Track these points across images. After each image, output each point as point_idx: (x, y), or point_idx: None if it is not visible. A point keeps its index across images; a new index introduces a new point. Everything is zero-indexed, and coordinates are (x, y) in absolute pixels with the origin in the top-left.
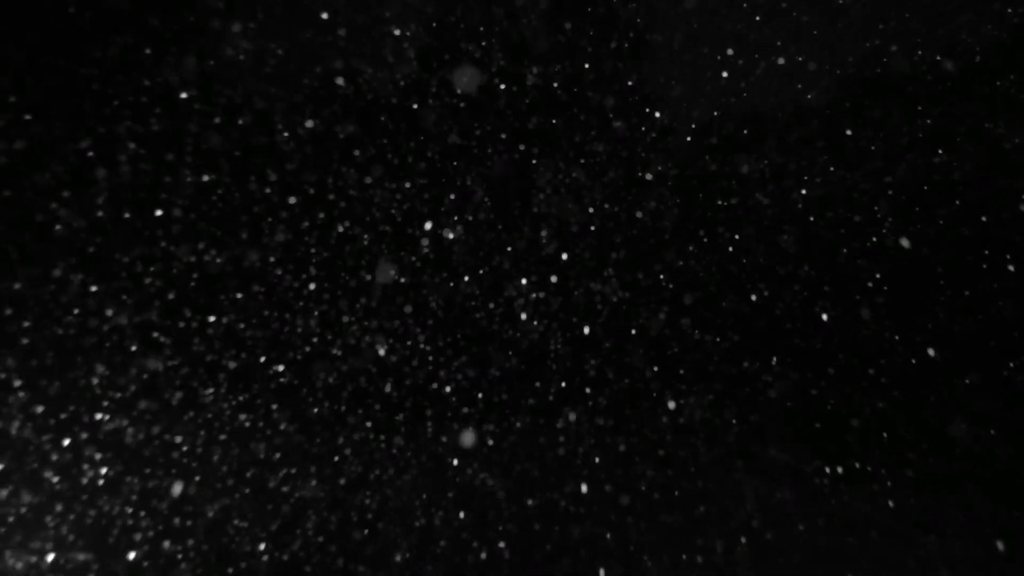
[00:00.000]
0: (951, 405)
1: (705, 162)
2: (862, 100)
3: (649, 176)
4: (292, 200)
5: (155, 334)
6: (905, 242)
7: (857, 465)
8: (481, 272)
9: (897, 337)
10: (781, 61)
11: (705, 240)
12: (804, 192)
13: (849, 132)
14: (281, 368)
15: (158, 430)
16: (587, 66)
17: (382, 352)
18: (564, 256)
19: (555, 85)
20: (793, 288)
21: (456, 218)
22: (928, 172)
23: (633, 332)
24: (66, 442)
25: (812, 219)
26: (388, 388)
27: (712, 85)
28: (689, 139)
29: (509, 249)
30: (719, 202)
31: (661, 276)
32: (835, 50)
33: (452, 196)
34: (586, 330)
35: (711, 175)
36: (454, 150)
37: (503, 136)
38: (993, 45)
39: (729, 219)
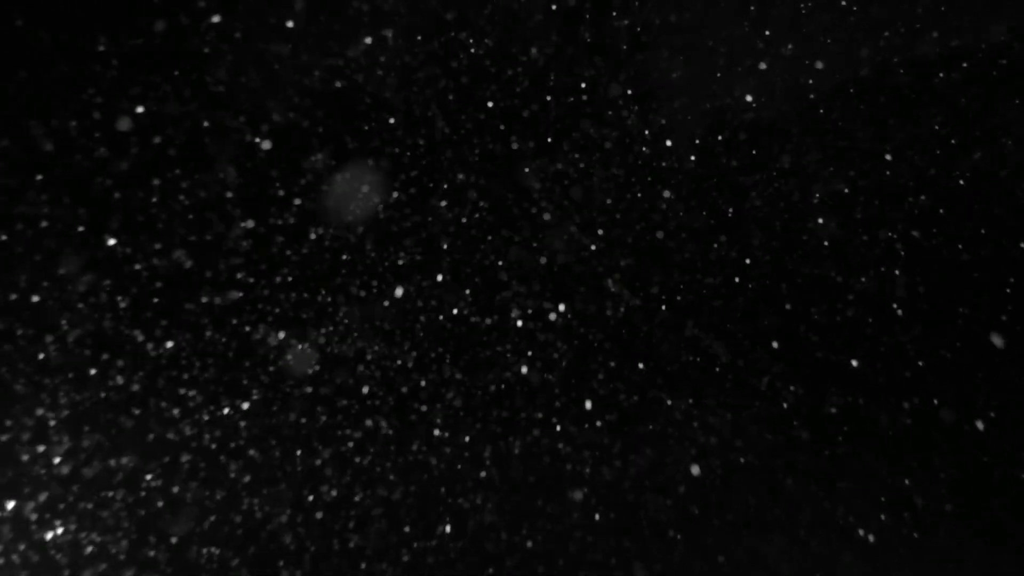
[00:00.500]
0: (988, 431)
1: (723, 157)
2: (899, 90)
3: (660, 172)
4: (262, 198)
5: (106, 353)
6: (936, 247)
7: (888, 501)
8: (475, 279)
9: (922, 363)
10: (810, 45)
11: (716, 246)
12: (833, 193)
13: (883, 126)
14: (252, 383)
15: (115, 451)
16: (588, 48)
17: (364, 366)
18: (565, 260)
19: (553, 70)
20: (816, 298)
21: (446, 218)
22: (966, 172)
23: (643, 344)
24: (7, 468)
25: (840, 223)
26: (372, 405)
27: (731, 70)
28: (705, 131)
29: (502, 262)
30: (738, 203)
31: (673, 283)
32: (871, 34)
33: (442, 196)
34: (591, 342)
35: (730, 170)
36: (443, 141)
37: (501, 127)
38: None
39: (751, 221)
